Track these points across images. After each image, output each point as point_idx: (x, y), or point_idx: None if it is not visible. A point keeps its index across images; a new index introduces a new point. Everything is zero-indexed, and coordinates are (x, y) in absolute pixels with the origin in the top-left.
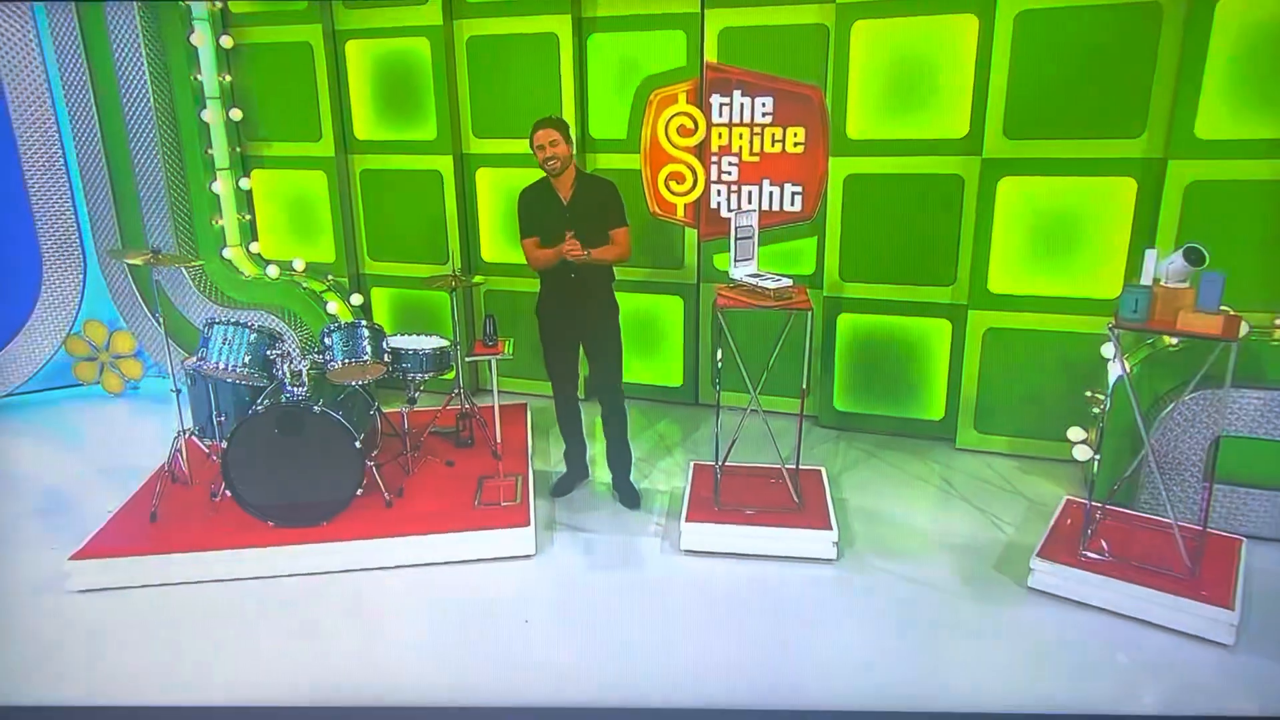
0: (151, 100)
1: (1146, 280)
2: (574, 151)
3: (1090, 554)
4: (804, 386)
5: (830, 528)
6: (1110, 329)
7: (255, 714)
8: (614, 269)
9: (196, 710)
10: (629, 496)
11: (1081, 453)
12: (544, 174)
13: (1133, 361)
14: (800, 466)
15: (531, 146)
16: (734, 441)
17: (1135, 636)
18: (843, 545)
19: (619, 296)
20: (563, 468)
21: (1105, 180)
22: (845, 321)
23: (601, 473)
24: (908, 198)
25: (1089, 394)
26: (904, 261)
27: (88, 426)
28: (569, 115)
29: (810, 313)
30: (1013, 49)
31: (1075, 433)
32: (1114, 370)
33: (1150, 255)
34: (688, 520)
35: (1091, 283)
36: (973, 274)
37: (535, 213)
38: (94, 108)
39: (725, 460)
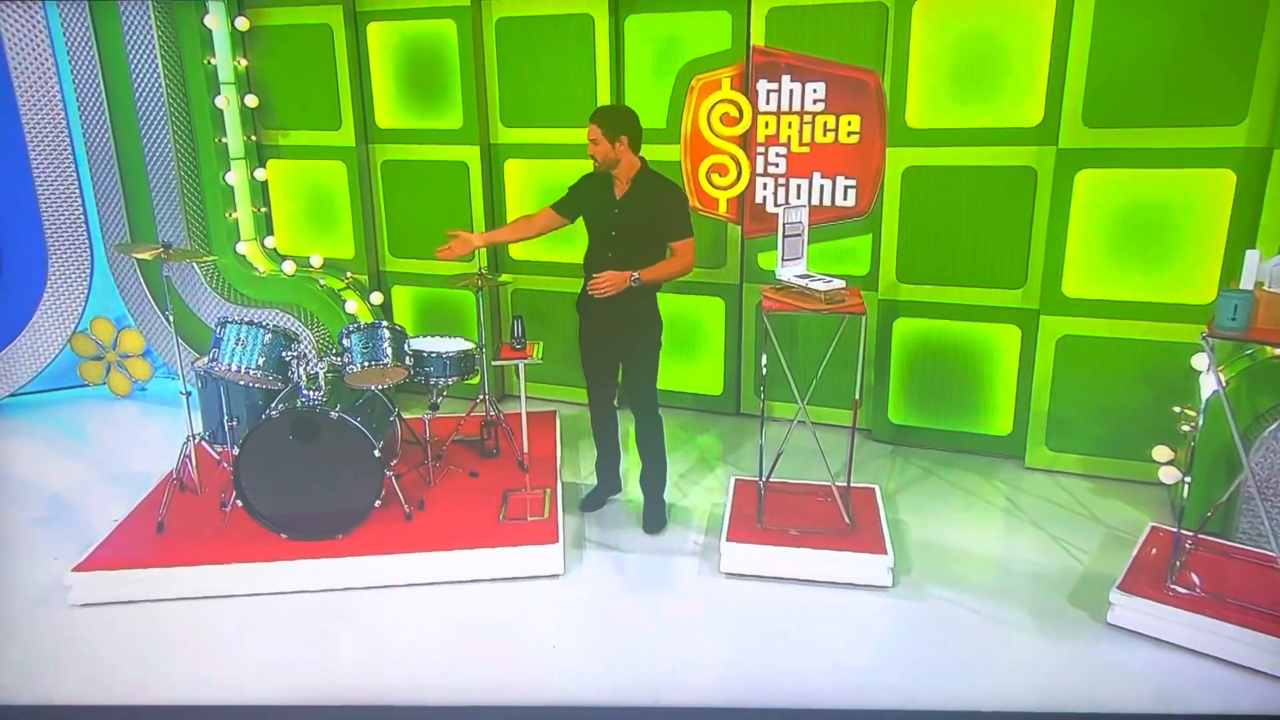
0: (163, 86)
1: (1247, 284)
2: (633, 148)
3: (1179, 588)
4: (856, 397)
5: (885, 552)
6: (1204, 338)
7: (256, 714)
8: (657, 288)
9: (197, 709)
10: (652, 520)
11: (1168, 475)
12: None
13: (1229, 374)
14: (852, 484)
15: None
16: (779, 455)
17: (1230, 682)
18: (898, 571)
19: (658, 298)
20: (594, 480)
21: (1200, 172)
22: (902, 327)
23: (633, 489)
24: (974, 192)
25: (1178, 409)
26: (968, 262)
27: (93, 429)
28: (605, 101)
29: (864, 317)
30: (1094, 26)
31: (1161, 452)
32: (1207, 383)
33: (1252, 256)
34: (728, 540)
35: (1182, 286)
36: (1045, 276)
37: (580, 197)
38: (103, 93)
39: (770, 476)
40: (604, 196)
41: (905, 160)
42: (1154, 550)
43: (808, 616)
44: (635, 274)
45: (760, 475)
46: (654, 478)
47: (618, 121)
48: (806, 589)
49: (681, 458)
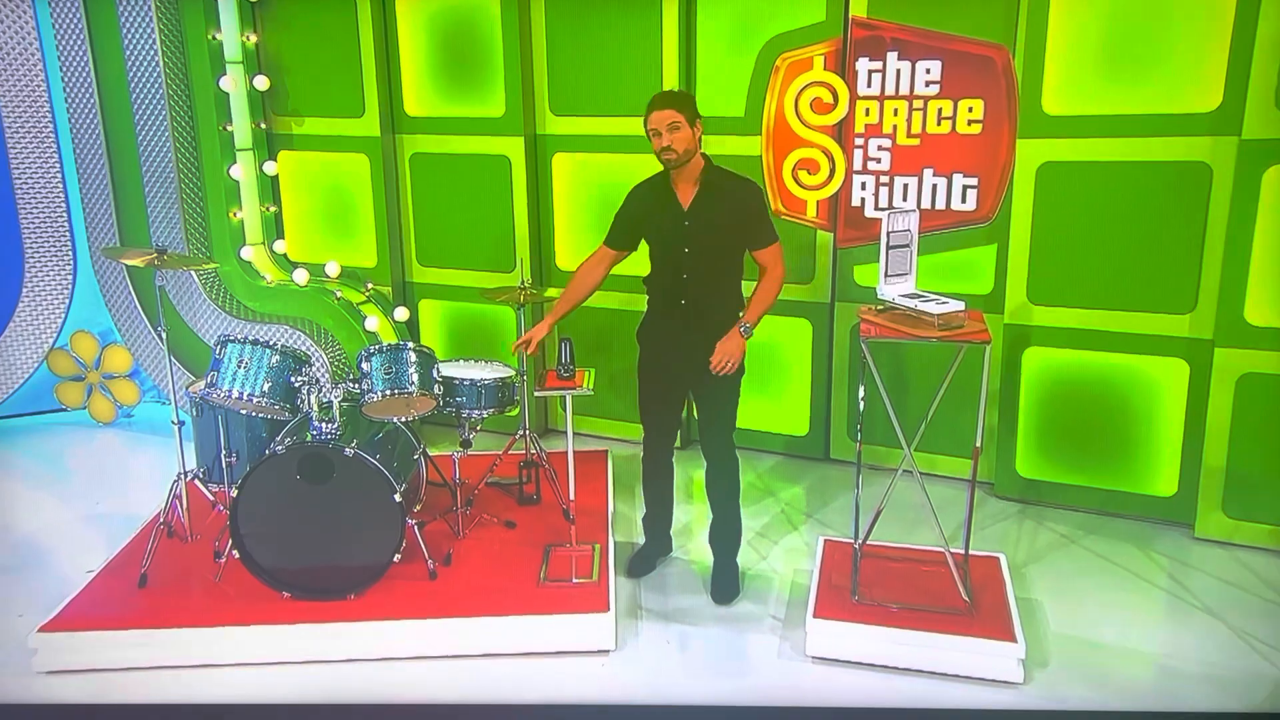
0: (161, 64)
1: None
2: (701, 137)
3: None
4: (977, 444)
5: (1014, 639)
6: None
7: (255, 713)
8: (742, 304)
9: (197, 709)
10: (723, 586)
11: None
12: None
13: None
14: (970, 552)
15: (645, 131)
16: (879, 513)
17: None
18: (1031, 665)
19: None
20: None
21: None
22: (1035, 358)
23: (699, 548)
24: (1129, 193)
25: None
26: (1121, 279)
27: (69, 462)
28: (671, 85)
29: (987, 346)
30: None
31: None
32: None
33: None
34: (815, 616)
35: None
36: (1222, 298)
37: (637, 218)
38: (92, 73)
39: (867, 537)
40: (667, 208)
41: (1040, 154)
42: None
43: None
44: (746, 325)
45: (855, 536)
46: (728, 534)
47: (692, 102)
48: (913, 682)
49: (758, 511)
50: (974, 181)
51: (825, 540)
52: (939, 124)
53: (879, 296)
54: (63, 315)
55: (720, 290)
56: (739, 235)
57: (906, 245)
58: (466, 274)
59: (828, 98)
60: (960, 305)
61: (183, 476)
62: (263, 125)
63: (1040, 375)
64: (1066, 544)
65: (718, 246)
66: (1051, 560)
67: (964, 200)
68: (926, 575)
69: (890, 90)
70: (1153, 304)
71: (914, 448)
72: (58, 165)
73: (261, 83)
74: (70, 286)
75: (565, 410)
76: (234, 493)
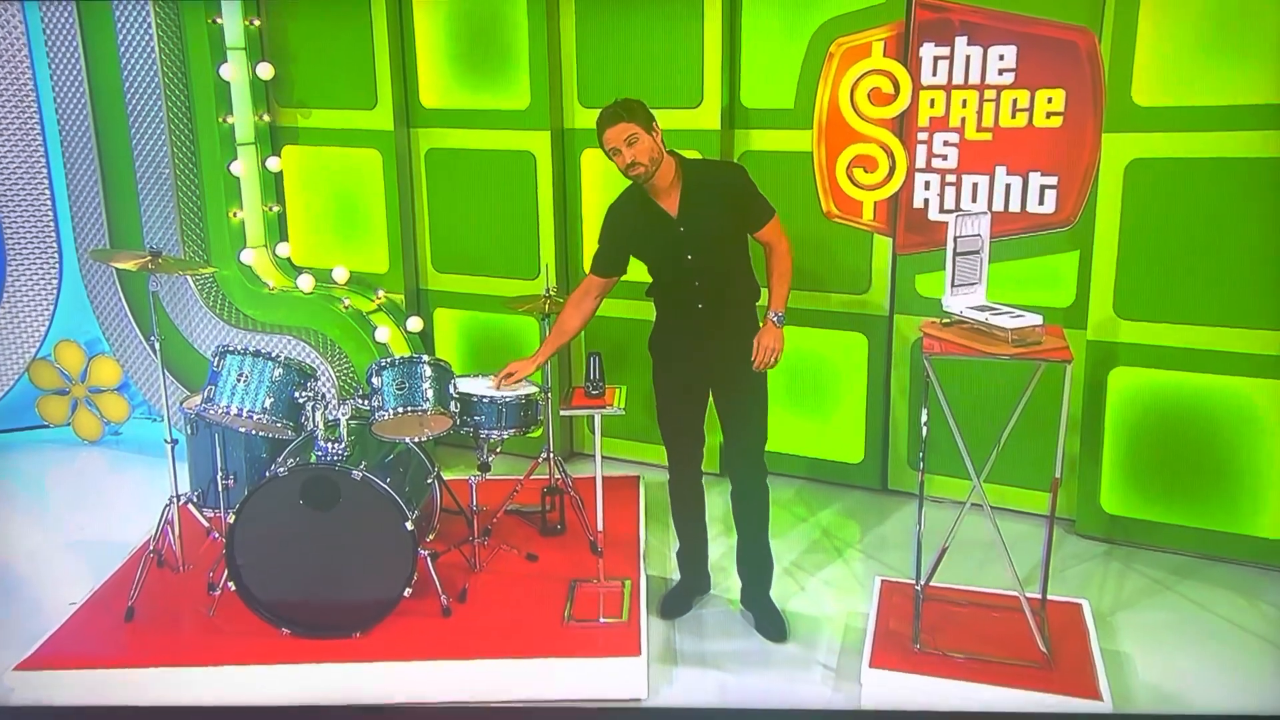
0: (156, 51)
1: None
2: (661, 139)
3: None
4: (1056, 475)
5: (1099, 696)
6: None
7: (254, 714)
8: (759, 290)
9: (198, 710)
10: (768, 621)
11: None
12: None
13: None
14: (1049, 596)
15: (604, 152)
16: (944, 550)
17: None
18: None
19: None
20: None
21: None
22: (1123, 380)
23: (730, 581)
24: (1231, 194)
25: None
26: (1221, 291)
27: (51, 483)
28: (713, 73)
29: (1068, 365)
30: None
31: None
32: None
33: None
34: (872, 665)
35: None
36: None
37: (623, 239)
38: (81, 59)
39: (930, 578)
40: (656, 223)
41: (1130, 150)
42: None
43: None
44: (777, 314)
45: (917, 577)
46: (762, 562)
47: (643, 108)
48: None
49: (805, 547)
50: (1053, 181)
51: (882, 580)
52: (1014, 117)
53: (944, 309)
54: (46, 323)
55: (734, 284)
56: (737, 222)
57: (976, 252)
58: (486, 281)
59: (888, 88)
60: (1037, 319)
61: (175, 500)
62: (266, 117)
63: (1128, 399)
64: (1159, 590)
65: (721, 242)
66: (1141, 608)
67: (1042, 202)
68: (998, 622)
69: (958, 79)
70: (1258, 319)
71: (984, 479)
72: (43, 158)
73: (265, 71)
74: (55, 292)
75: (594, 431)
76: (231, 519)
